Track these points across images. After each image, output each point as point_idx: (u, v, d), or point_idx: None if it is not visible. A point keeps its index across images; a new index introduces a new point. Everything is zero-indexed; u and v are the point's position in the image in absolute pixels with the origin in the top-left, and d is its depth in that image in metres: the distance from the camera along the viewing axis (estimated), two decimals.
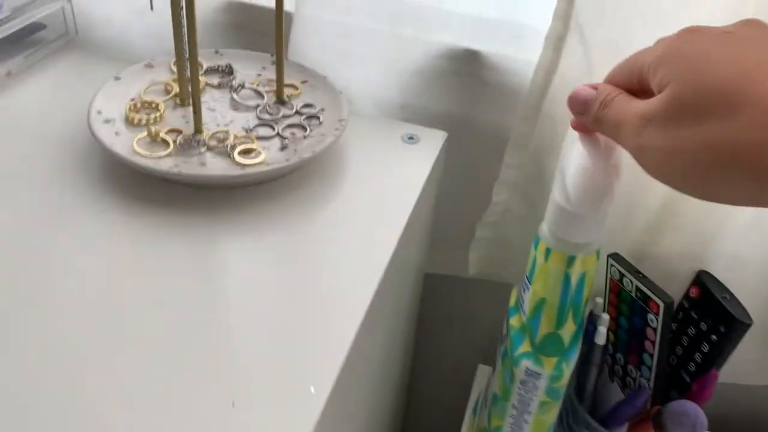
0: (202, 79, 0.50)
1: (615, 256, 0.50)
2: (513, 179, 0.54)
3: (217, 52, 0.53)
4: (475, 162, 0.57)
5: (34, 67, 0.55)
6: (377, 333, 0.46)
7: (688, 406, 0.43)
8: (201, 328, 0.36)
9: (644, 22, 0.44)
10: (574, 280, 0.44)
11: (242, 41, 0.56)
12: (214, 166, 0.43)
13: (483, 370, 0.67)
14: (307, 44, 0.53)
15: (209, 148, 0.44)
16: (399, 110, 0.55)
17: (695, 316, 0.48)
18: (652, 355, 0.48)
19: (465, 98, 0.54)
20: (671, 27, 0.44)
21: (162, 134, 0.44)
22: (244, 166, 0.42)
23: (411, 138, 0.51)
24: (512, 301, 0.50)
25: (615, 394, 0.52)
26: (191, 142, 0.44)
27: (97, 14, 0.58)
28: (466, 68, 0.53)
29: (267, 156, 0.44)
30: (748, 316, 0.45)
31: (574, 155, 0.42)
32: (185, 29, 0.42)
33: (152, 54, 0.55)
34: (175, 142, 0.44)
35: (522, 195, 0.55)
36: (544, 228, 0.44)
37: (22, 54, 0.54)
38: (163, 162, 0.42)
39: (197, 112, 0.44)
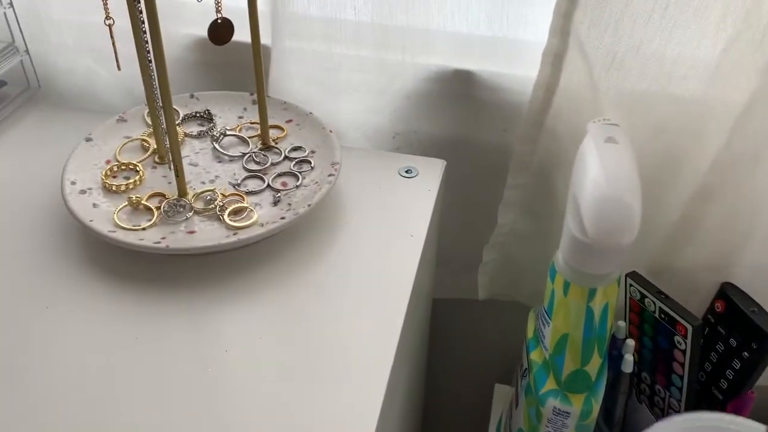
0: (180, 129, 0.47)
1: (633, 275, 0.48)
2: (518, 199, 0.51)
3: (192, 96, 0.50)
4: (475, 183, 0.54)
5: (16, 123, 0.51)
6: (401, 384, 0.43)
7: None
8: (206, 410, 0.33)
9: (647, 32, 0.41)
10: (597, 312, 0.42)
11: (216, 80, 0.53)
12: (203, 234, 0.40)
13: (500, 390, 0.65)
14: (289, 78, 0.50)
15: (197, 212, 0.41)
16: (391, 139, 0.52)
17: (723, 331, 0.46)
18: (681, 377, 0.46)
19: (460, 120, 0.51)
20: (677, 36, 0.41)
21: (144, 201, 0.41)
22: (236, 229, 0.39)
23: (408, 171, 0.48)
24: (530, 332, 0.47)
25: (644, 415, 0.50)
26: (176, 208, 0.41)
27: (58, 65, 0.54)
28: (459, 89, 0.50)
29: (260, 214, 0.41)
30: None
31: (587, 181, 0.40)
32: (156, 79, 0.38)
33: (122, 101, 0.52)
34: (158, 208, 0.41)
35: (528, 215, 0.52)
36: (560, 259, 0.42)
37: None
38: (148, 234, 0.39)
39: (180, 175, 0.41)
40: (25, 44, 0.52)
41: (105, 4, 0.39)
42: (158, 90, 0.37)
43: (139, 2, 0.35)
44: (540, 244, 0.52)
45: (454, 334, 0.66)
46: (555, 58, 0.44)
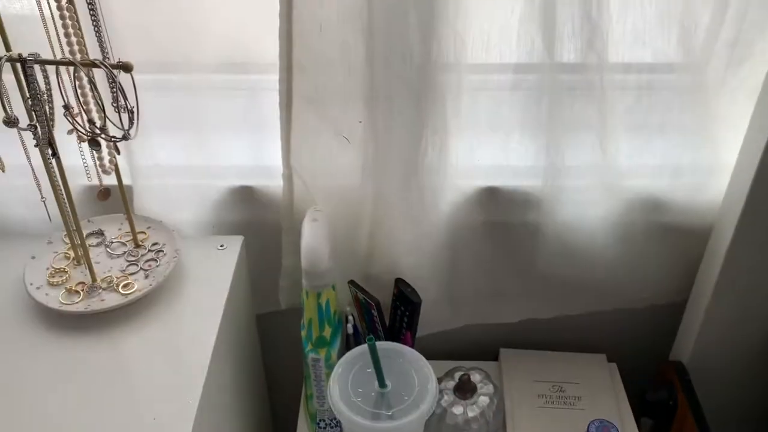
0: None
1: (352, 282, 0.89)
2: (290, 250, 0.91)
3: (89, 221, 0.86)
4: (270, 238, 0.93)
5: None
6: (225, 384, 0.81)
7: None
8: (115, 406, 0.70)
9: (327, 156, 0.82)
10: (323, 304, 0.82)
11: (105, 208, 0.88)
12: (109, 300, 0.76)
13: None
14: (147, 202, 0.87)
15: (103, 289, 0.77)
16: (212, 228, 0.90)
17: (399, 303, 0.88)
18: (380, 330, 0.87)
19: (251, 212, 0.91)
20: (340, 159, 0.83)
21: (74, 288, 0.77)
22: (127, 295, 0.76)
23: (222, 246, 0.87)
24: (301, 322, 0.87)
25: None
26: (92, 289, 0.77)
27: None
28: (244, 197, 0.90)
29: (138, 284, 0.78)
30: (419, 297, 0.85)
31: (303, 241, 0.80)
32: (70, 216, 0.74)
33: (42, 226, 0.87)
34: (83, 290, 0.77)
35: (298, 257, 0.92)
36: (303, 280, 0.82)
37: None
38: (79, 305, 0.75)
39: (91, 270, 0.77)
40: None
41: (38, 185, 0.74)
42: (71, 221, 0.74)
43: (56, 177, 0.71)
44: None
45: (285, 330, 1.04)
46: (288, 179, 0.85)
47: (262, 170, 0.89)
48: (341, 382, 0.75)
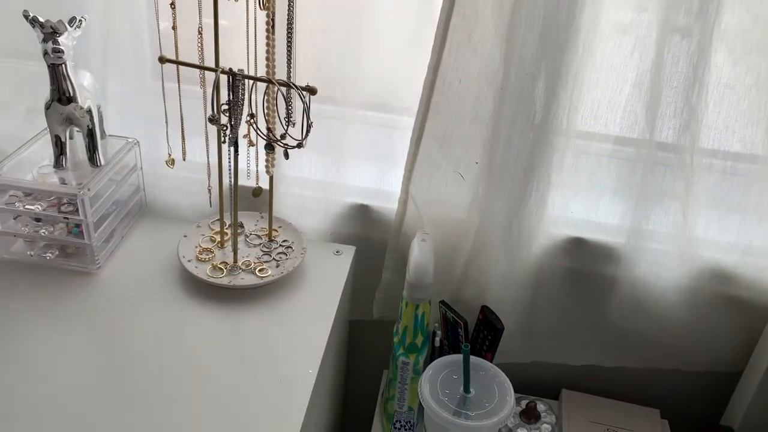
0: (229, 232, 0.98)
1: (442, 302, 1.01)
2: (391, 266, 1.04)
3: (230, 214, 1.01)
4: (375, 253, 1.06)
5: (133, 229, 1.01)
6: (326, 373, 0.94)
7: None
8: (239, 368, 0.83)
9: (441, 190, 0.96)
10: (419, 315, 0.94)
11: (247, 206, 1.04)
12: (247, 280, 0.90)
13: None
14: (281, 207, 1.02)
15: (242, 270, 0.92)
16: (329, 236, 1.05)
17: (482, 327, 0.99)
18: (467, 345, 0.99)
19: (364, 227, 1.05)
20: (446, 186, 0.96)
21: (218, 265, 0.92)
22: (262, 278, 0.90)
23: (338, 252, 1.00)
24: (395, 328, 0.99)
25: None
26: (234, 269, 0.91)
27: (159, 198, 1.04)
28: (360, 213, 1.04)
29: (271, 271, 0.92)
30: (502, 325, 0.97)
31: (412, 257, 0.93)
32: (232, 208, 0.89)
33: (192, 214, 1.03)
34: (226, 269, 0.91)
35: (396, 274, 1.05)
36: (405, 292, 0.94)
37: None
38: (223, 280, 0.89)
39: (235, 253, 0.92)
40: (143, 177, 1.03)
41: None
42: (232, 212, 0.89)
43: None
44: (401, 290, 1.05)
45: (368, 338, 1.16)
46: (403, 203, 0.99)
47: (379, 193, 1.03)
48: (431, 383, 0.86)
